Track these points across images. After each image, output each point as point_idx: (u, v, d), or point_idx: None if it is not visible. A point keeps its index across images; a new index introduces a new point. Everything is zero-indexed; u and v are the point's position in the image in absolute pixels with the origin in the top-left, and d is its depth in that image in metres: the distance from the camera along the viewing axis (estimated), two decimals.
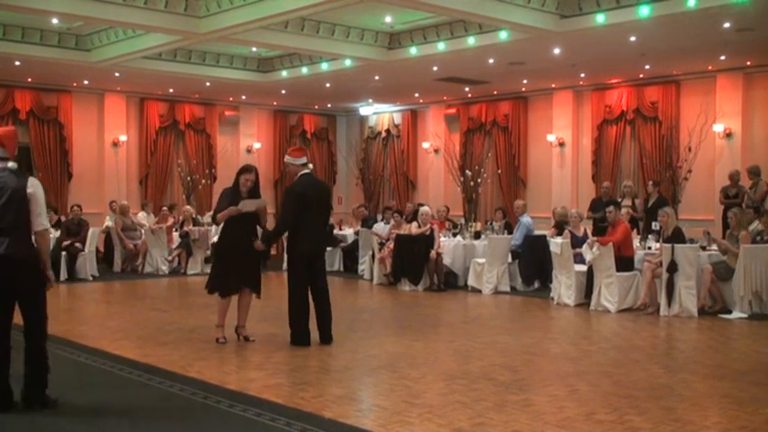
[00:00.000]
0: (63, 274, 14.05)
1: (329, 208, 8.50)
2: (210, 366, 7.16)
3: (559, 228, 13.06)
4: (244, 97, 19.74)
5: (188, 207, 16.93)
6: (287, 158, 8.51)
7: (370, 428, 5.27)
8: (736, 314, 10.36)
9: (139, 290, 13.48)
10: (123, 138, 18.70)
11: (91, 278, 14.44)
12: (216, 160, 19.98)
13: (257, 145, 20.87)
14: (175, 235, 16.04)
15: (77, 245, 14.41)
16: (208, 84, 17.40)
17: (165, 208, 16.81)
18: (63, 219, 15.63)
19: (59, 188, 17.83)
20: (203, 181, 19.53)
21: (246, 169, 8.34)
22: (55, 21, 13.60)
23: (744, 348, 8.60)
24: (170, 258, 15.70)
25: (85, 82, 17.49)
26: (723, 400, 6.14)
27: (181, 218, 16.48)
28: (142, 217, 16.92)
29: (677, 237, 10.79)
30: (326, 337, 8.25)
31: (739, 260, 10.44)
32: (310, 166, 8.49)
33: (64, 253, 14.19)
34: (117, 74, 16.31)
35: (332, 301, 8.39)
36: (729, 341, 8.99)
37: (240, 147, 20.73)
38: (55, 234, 14.66)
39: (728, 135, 15.07)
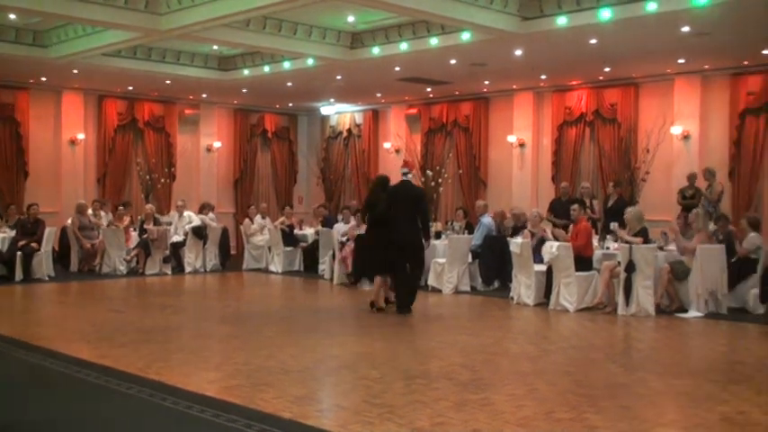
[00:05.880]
0: (18, 275, 13.80)
1: (418, 209, 10.62)
2: (169, 368, 7.08)
3: (513, 229, 13.20)
4: (204, 96, 19.57)
5: (149, 205, 16.72)
6: None
7: (331, 429, 5.25)
8: (692, 313, 10.51)
9: (97, 290, 13.30)
10: (81, 136, 18.43)
11: (47, 278, 14.18)
12: (175, 159, 19.78)
13: (217, 144, 20.72)
14: (134, 234, 15.84)
15: (33, 244, 14.14)
16: (168, 82, 17.22)
17: (121, 207, 16.58)
18: (20, 218, 15.32)
19: (15, 187, 17.48)
20: (162, 180, 19.32)
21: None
22: (12, 16, 13.36)
23: (700, 347, 8.74)
24: (128, 258, 15.49)
25: (43, 79, 17.19)
26: (679, 397, 6.23)
27: (140, 217, 16.27)
28: (100, 216, 16.60)
29: (643, 236, 10.92)
30: (400, 306, 10.48)
31: (696, 260, 10.60)
32: (409, 176, 11.20)
33: (19, 253, 13.92)
34: (75, 71, 16.08)
35: (292, 301, 8.49)
36: (686, 340, 9.13)
37: (200, 146, 20.57)
38: (10, 233, 14.43)
39: (686, 137, 15.27)
